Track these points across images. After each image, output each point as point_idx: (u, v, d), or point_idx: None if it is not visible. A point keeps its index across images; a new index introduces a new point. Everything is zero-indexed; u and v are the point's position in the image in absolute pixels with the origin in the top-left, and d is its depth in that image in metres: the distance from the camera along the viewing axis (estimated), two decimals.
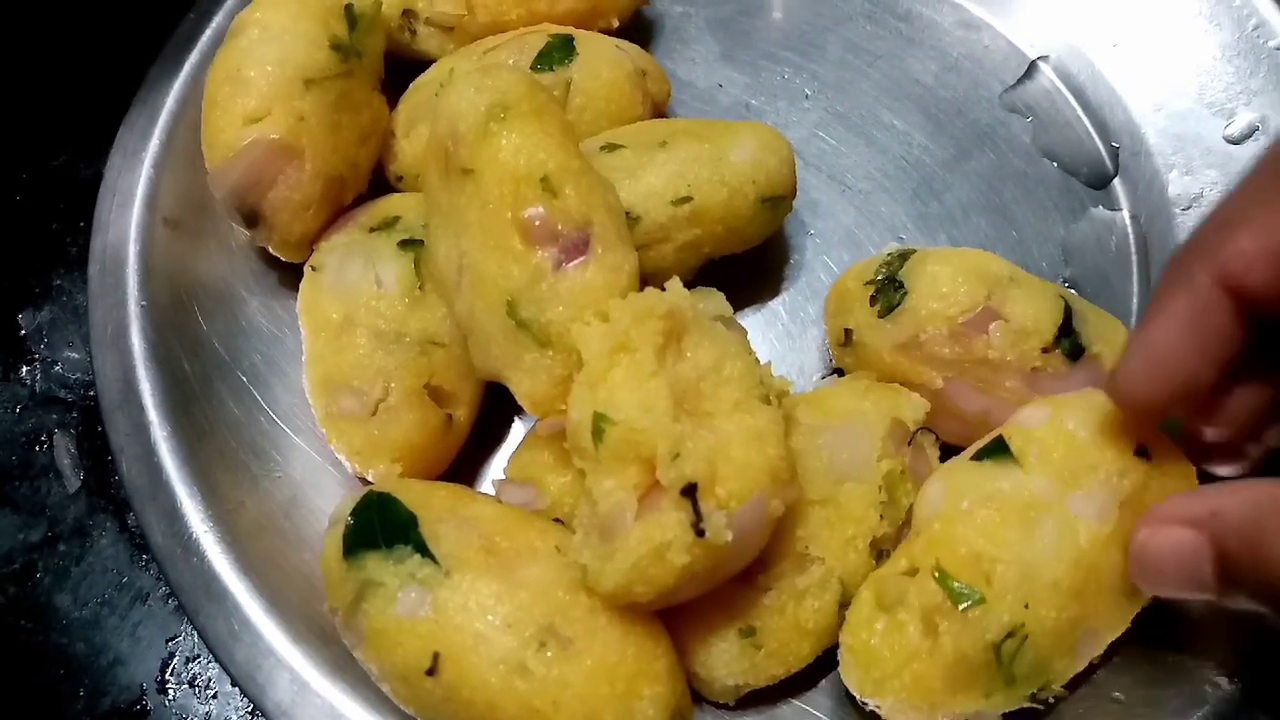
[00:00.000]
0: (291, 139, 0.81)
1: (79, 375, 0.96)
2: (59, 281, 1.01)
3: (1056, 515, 0.67)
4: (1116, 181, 0.95)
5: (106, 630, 0.87)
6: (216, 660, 0.75)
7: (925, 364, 0.77)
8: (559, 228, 0.70)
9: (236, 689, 0.83)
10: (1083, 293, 0.89)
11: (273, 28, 0.83)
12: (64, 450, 0.93)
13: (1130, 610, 0.70)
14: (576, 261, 0.70)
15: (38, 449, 0.94)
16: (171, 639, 0.86)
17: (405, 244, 0.81)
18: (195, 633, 0.84)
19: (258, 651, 0.73)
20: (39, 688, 0.85)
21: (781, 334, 0.90)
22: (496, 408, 0.83)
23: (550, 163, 0.71)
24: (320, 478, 0.83)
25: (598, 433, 0.65)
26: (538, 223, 0.70)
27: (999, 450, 0.70)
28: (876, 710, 0.68)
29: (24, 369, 0.97)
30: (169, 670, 0.85)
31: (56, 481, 0.92)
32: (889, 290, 0.78)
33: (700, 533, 0.62)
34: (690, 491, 0.63)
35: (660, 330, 0.66)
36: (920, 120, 0.99)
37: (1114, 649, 0.70)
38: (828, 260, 0.93)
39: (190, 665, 0.86)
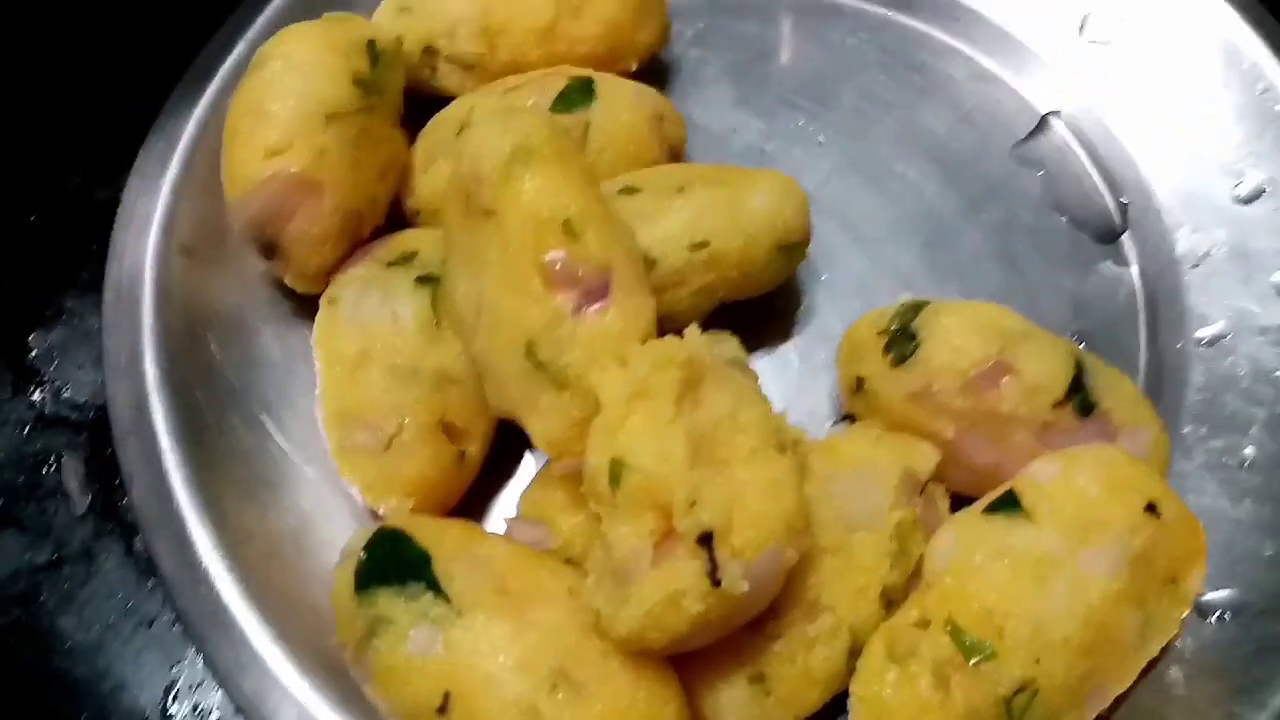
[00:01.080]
0: (312, 173, 0.81)
1: (88, 398, 0.96)
2: (70, 303, 1.01)
3: (1067, 572, 0.67)
4: (1126, 237, 0.96)
5: (110, 654, 0.86)
6: (223, 690, 0.75)
7: (937, 414, 0.77)
8: (580, 272, 0.71)
9: (241, 718, 0.82)
10: (1091, 346, 0.90)
11: (295, 61, 0.83)
12: (72, 472, 0.93)
13: (1137, 665, 0.71)
14: (596, 306, 0.71)
15: (46, 470, 0.93)
16: (175, 665, 0.86)
17: (422, 280, 0.82)
18: (199, 660, 0.83)
19: (265, 683, 0.74)
20: (41, 711, 0.85)
21: (793, 379, 0.90)
22: (507, 442, 0.84)
23: (573, 207, 0.71)
24: (330, 509, 0.83)
25: (615, 478, 0.65)
26: (558, 266, 0.71)
27: (1010, 504, 0.71)
28: None
29: (33, 390, 0.97)
30: (172, 697, 0.85)
31: (64, 503, 0.92)
32: (902, 340, 0.79)
33: (716, 581, 0.63)
34: (706, 540, 0.63)
35: (679, 378, 0.67)
36: (932, 171, 1.00)
37: (1119, 703, 0.71)
38: (839, 307, 0.93)
39: (194, 692, 0.85)
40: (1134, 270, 0.95)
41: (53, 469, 0.93)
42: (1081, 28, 1.03)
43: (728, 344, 0.81)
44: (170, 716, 0.84)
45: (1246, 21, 0.98)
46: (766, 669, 0.70)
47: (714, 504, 0.64)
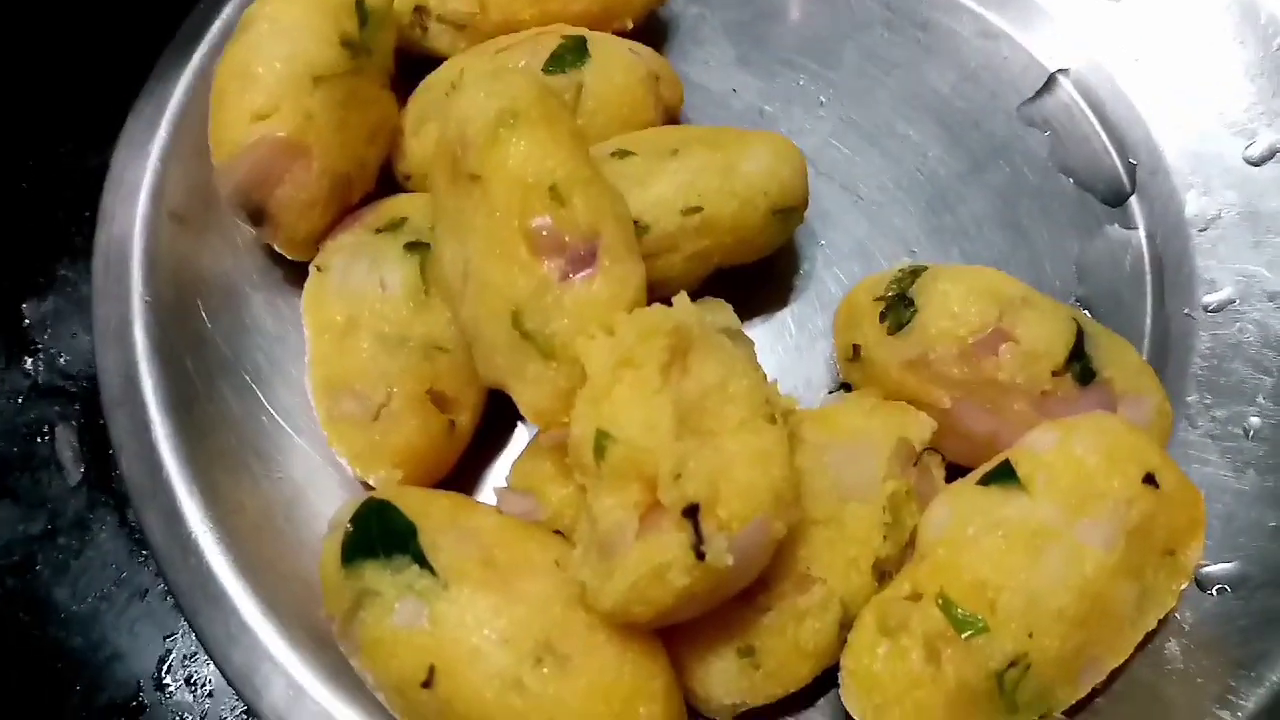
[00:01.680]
0: (299, 137, 0.80)
1: (82, 367, 0.96)
2: (64, 271, 1.00)
3: (1063, 543, 0.66)
4: (1133, 199, 0.94)
5: (105, 625, 0.87)
6: (213, 662, 0.74)
7: (933, 383, 0.76)
8: (566, 238, 0.69)
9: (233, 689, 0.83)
10: (1095, 312, 0.89)
11: (282, 23, 0.82)
12: (66, 442, 0.93)
13: (1134, 638, 0.70)
14: (583, 274, 0.69)
15: (39, 440, 0.93)
16: (169, 636, 0.86)
17: (411, 247, 0.81)
18: (193, 632, 0.83)
19: (255, 655, 0.73)
20: (37, 680, 0.85)
21: (789, 346, 0.89)
22: (500, 412, 0.83)
23: (559, 171, 0.70)
24: (321, 479, 0.82)
25: (600, 450, 0.64)
26: (545, 233, 0.69)
27: (1006, 475, 0.70)
28: None
29: (27, 360, 0.97)
30: (166, 667, 0.85)
31: (57, 474, 0.92)
32: (899, 307, 0.77)
33: (701, 554, 0.62)
34: (692, 512, 0.62)
35: (666, 347, 0.66)
36: (936, 131, 0.98)
37: (1115, 675, 0.70)
38: (838, 272, 0.91)
39: (187, 663, 0.85)
40: (1141, 233, 0.93)
41: (47, 439, 0.93)
42: None
43: (720, 311, 0.80)
44: (164, 687, 0.85)
45: None
46: (756, 642, 0.69)
47: (700, 475, 0.63)
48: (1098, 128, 0.97)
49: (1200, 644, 0.73)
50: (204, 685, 0.85)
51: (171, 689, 0.85)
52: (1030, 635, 0.65)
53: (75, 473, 0.92)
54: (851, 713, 0.68)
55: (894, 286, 0.78)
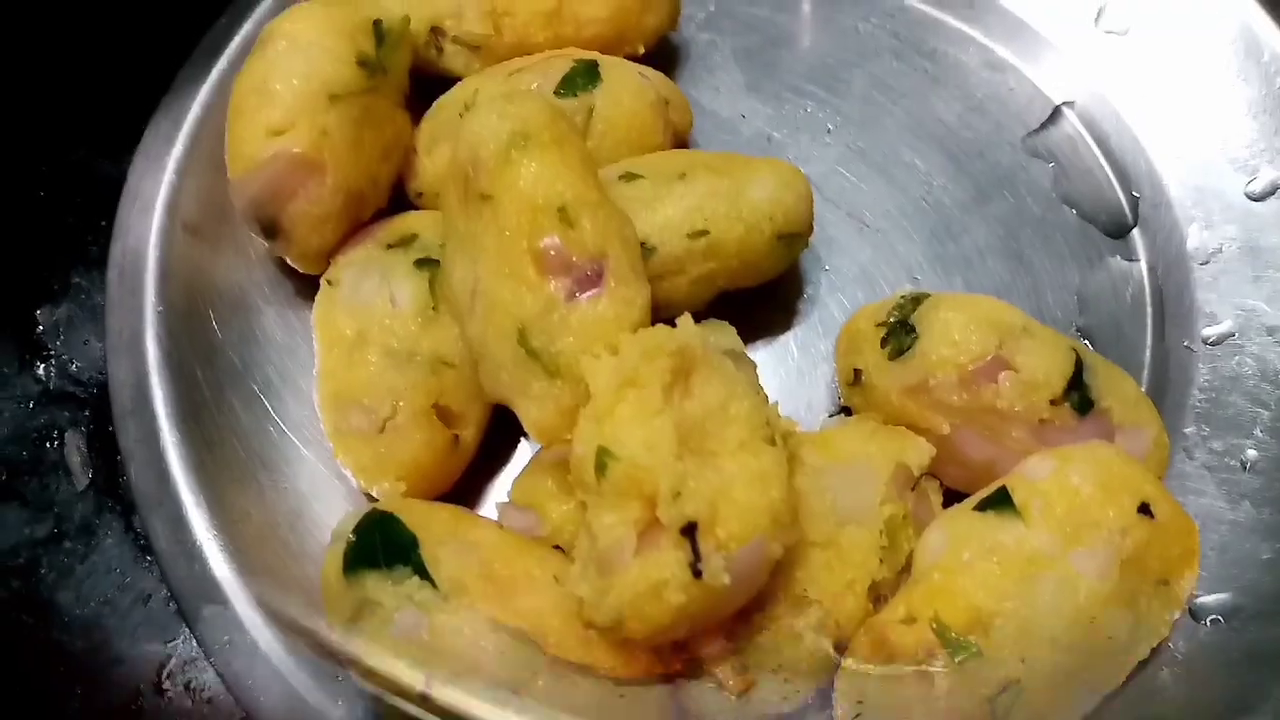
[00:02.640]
0: (314, 153, 0.81)
1: (93, 374, 0.97)
2: (78, 279, 1.01)
3: (1057, 571, 0.67)
4: (1135, 232, 0.95)
5: (107, 629, 0.87)
6: (213, 668, 0.75)
7: (933, 409, 0.77)
8: (574, 259, 0.71)
9: (232, 695, 0.83)
10: (1095, 343, 0.89)
11: (300, 41, 0.83)
12: (74, 448, 0.94)
13: (1126, 666, 0.71)
14: (589, 294, 0.71)
15: (49, 445, 0.94)
16: (170, 642, 0.87)
17: (421, 263, 0.82)
18: (194, 638, 0.84)
19: (254, 662, 0.74)
20: (38, 683, 0.86)
21: (792, 369, 0.90)
22: (503, 428, 0.84)
23: (568, 193, 0.71)
24: (326, 491, 0.83)
25: (601, 467, 0.65)
26: (553, 253, 0.71)
27: (1002, 502, 0.71)
28: None
29: (39, 365, 0.97)
30: (166, 673, 0.86)
31: (65, 479, 0.93)
32: (900, 333, 0.78)
33: (698, 573, 0.63)
34: (690, 531, 0.63)
35: (669, 367, 0.67)
36: (941, 161, 0.99)
37: (1107, 703, 0.70)
38: (841, 297, 0.92)
39: (187, 669, 0.86)
40: (1142, 266, 0.93)
41: (56, 444, 0.94)
42: (1098, 17, 1.02)
43: (724, 333, 0.81)
44: (164, 692, 0.85)
45: (1267, 12, 0.96)
46: (750, 661, 0.70)
47: (699, 495, 0.64)
48: (1101, 160, 0.98)
49: (1192, 674, 0.73)
50: (203, 691, 0.85)
51: (171, 694, 0.85)
52: (1023, 661, 0.65)
53: (83, 478, 0.93)
54: None
55: (896, 313, 0.79)
